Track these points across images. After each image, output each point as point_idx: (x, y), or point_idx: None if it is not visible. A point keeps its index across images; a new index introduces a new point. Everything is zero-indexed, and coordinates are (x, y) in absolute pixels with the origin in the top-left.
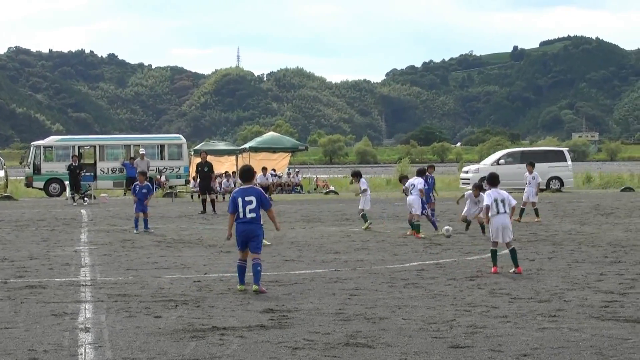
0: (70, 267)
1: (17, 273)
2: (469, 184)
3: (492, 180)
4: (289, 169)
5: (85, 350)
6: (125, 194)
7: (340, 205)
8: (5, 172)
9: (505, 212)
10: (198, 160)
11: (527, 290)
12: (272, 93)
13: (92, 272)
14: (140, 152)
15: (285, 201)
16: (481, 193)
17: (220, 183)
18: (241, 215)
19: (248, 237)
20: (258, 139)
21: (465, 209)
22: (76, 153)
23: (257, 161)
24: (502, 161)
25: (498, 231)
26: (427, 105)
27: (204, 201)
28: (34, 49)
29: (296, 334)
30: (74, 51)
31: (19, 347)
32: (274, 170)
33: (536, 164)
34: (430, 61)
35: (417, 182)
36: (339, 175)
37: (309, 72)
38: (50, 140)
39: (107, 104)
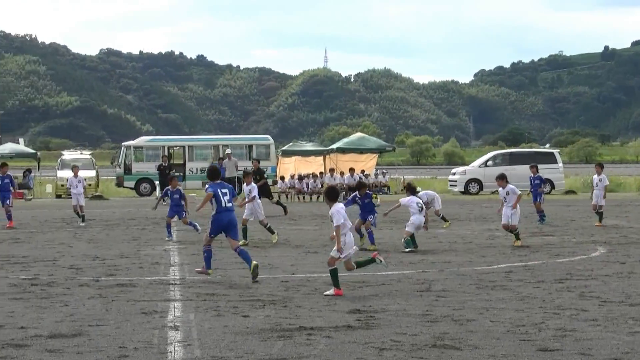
0: (160, 266)
1: (108, 271)
2: (455, 186)
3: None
4: (376, 170)
5: (174, 348)
6: None
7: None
8: (97, 172)
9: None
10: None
11: (617, 293)
12: (360, 94)
13: (181, 271)
14: (227, 152)
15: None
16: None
17: (307, 184)
18: (223, 205)
19: (229, 225)
20: (345, 140)
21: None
22: (166, 153)
23: (344, 162)
24: (490, 163)
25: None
26: (516, 106)
27: (278, 203)
28: (124, 51)
29: (383, 334)
30: (163, 53)
31: (110, 344)
32: (362, 171)
33: (526, 166)
34: (519, 62)
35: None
36: (426, 177)
37: (397, 73)
38: (141, 140)
39: (196, 105)
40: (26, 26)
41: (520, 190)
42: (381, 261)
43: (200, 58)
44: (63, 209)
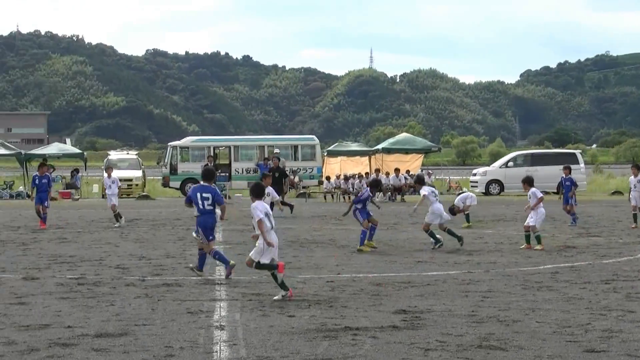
0: (206, 266)
1: (154, 271)
2: (476, 186)
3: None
4: (421, 170)
5: (220, 348)
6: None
7: (473, 207)
8: (143, 172)
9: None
10: (332, 160)
11: None
12: (405, 94)
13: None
14: (275, 152)
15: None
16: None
17: (353, 184)
18: (201, 207)
19: (212, 225)
20: (391, 140)
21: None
22: (211, 153)
23: (389, 162)
24: (510, 164)
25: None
26: (562, 107)
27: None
28: (170, 51)
29: (428, 335)
30: (209, 53)
31: (156, 343)
32: (407, 171)
33: (548, 167)
34: (566, 62)
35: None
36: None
37: (442, 73)
38: (187, 141)
39: (242, 105)
40: (73, 27)
41: (542, 192)
42: (281, 279)
43: (246, 58)
44: (110, 209)
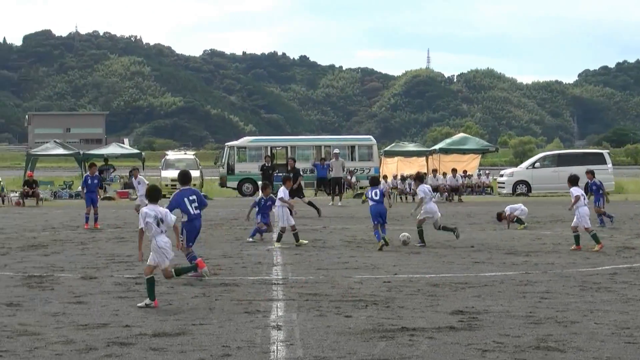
0: (263, 266)
1: (212, 271)
2: (503, 187)
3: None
4: (479, 171)
5: (276, 348)
6: (316, 194)
7: (531, 208)
8: (200, 172)
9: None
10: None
11: None
12: (462, 94)
13: (283, 271)
14: (335, 152)
15: (475, 203)
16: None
17: (410, 185)
18: (192, 212)
19: (199, 231)
20: (448, 140)
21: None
22: (268, 153)
23: (446, 162)
24: (538, 164)
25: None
26: (620, 107)
27: (310, 203)
28: (228, 52)
29: (486, 336)
30: (266, 53)
31: (214, 343)
32: (464, 171)
33: (575, 168)
34: (624, 61)
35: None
36: None
37: (500, 73)
38: (244, 141)
39: (299, 105)
40: (131, 27)
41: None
42: (205, 275)
43: (303, 59)
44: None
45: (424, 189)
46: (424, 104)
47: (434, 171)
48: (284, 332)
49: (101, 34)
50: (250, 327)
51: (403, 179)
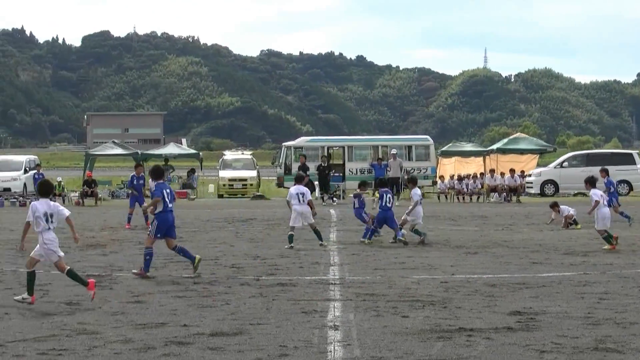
0: (320, 266)
1: (268, 271)
2: (531, 187)
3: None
4: (522, 171)
5: (334, 348)
6: (373, 194)
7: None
8: (258, 172)
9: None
10: (446, 160)
11: None
12: (520, 94)
13: (340, 271)
14: (392, 152)
15: (533, 203)
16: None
17: (467, 185)
18: (168, 205)
19: (173, 224)
20: (505, 140)
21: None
22: (325, 153)
23: (504, 162)
24: (566, 164)
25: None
26: None
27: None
28: (284, 52)
29: (544, 337)
30: (323, 53)
31: (271, 342)
32: (522, 172)
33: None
34: None
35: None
36: None
37: (558, 73)
38: (301, 141)
39: (355, 105)
40: (189, 28)
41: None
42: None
43: (360, 58)
44: (225, 209)
45: (418, 192)
46: (481, 103)
47: (492, 171)
48: (341, 332)
49: (159, 34)
50: (308, 327)
51: (460, 179)
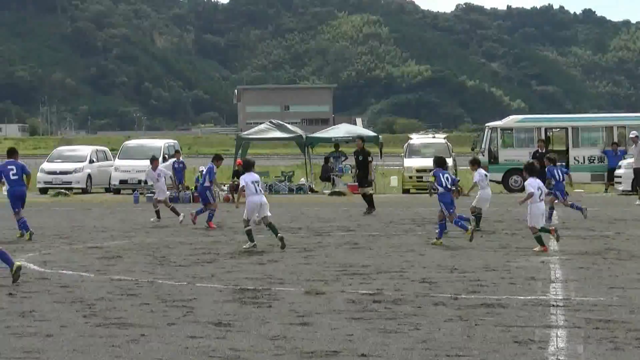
0: (537, 282)
1: (469, 287)
2: (620, 183)
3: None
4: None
5: None
6: (607, 190)
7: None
8: (454, 159)
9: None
10: None
11: None
12: None
13: (564, 289)
14: (632, 136)
15: None
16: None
17: None
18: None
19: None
20: None
21: None
22: (543, 137)
23: None
24: None
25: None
26: None
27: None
28: (487, 6)
29: None
30: (538, 7)
31: None
32: None
33: None
34: None
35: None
36: None
37: None
38: (510, 120)
39: (582, 74)
40: None
41: None
42: None
43: (587, 13)
44: (412, 207)
45: (481, 172)
46: None
47: None
48: None
49: None
50: None
51: None
